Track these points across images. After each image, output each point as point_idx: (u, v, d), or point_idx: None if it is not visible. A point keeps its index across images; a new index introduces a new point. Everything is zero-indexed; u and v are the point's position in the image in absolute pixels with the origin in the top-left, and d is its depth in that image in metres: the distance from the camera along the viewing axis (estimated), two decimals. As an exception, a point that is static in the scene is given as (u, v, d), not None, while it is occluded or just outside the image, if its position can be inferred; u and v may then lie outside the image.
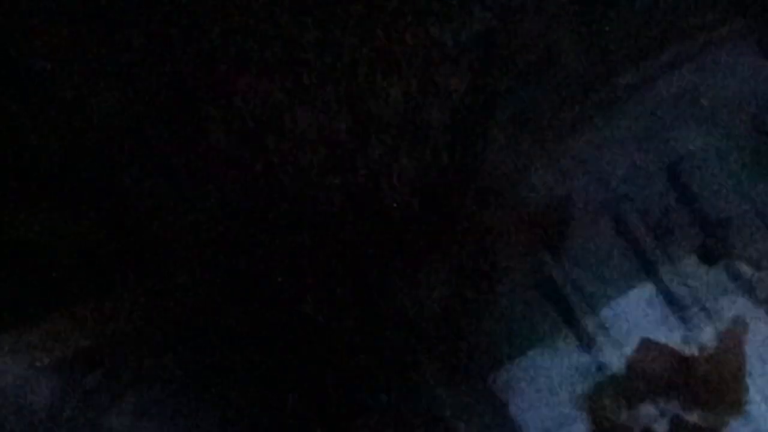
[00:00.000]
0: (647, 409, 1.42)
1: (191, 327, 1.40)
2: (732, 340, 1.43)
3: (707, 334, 1.44)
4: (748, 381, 1.42)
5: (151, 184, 1.33)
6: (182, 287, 1.39)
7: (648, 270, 1.45)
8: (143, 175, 1.32)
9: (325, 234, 1.25)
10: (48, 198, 1.33)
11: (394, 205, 1.25)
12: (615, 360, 1.43)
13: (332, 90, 1.15)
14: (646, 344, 1.43)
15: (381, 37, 1.15)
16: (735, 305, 1.46)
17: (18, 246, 1.37)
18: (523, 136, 1.36)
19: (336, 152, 1.17)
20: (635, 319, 1.45)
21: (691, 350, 1.44)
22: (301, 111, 1.15)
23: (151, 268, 1.38)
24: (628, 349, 1.43)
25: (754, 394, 1.41)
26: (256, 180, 1.24)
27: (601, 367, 1.43)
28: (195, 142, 1.24)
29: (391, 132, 1.17)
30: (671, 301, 1.44)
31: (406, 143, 1.19)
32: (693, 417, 1.41)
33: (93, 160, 1.31)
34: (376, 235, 1.28)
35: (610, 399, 1.42)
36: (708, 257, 1.45)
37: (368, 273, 1.32)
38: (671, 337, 1.45)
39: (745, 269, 1.45)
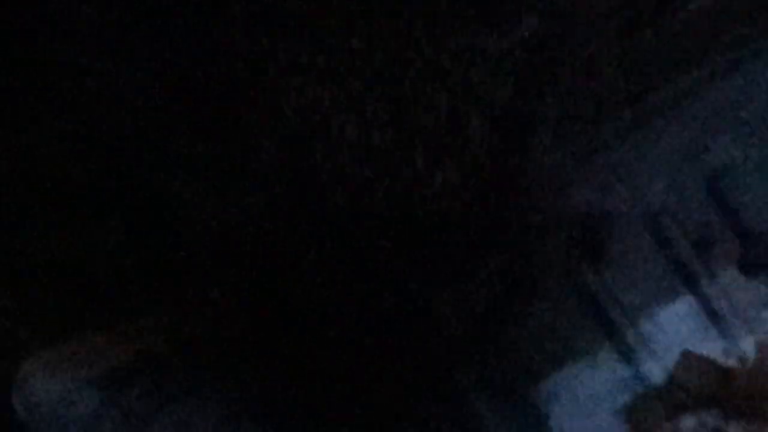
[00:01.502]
0: (688, 421, 1.41)
1: (226, 342, 1.38)
2: None
3: (748, 346, 1.43)
4: None
5: (191, 198, 1.33)
6: (217, 304, 1.37)
7: (688, 283, 1.44)
8: (183, 188, 1.33)
9: (368, 241, 1.25)
10: (84, 216, 1.33)
11: (437, 212, 1.24)
12: (656, 372, 1.41)
13: (379, 97, 1.16)
14: (687, 356, 1.41)
15: (426, 44, 1.16)
16: None
17: (56, 264, 1.37)
18: (563, 147, 1.36)
19: (381, 160, 1.18)
20: (676, 332, 1.44)
21: (731, 362, 1.43)
22: (348, 118, 1.15)
23: (186, 286, 1.37)
24: (669, 361, 1.42)
25: None
26: (302, 189, 1.24)
27: (641, 379, 1.42)
28: (241, 150, 1.24)
29: (435, 140, 1.18)
30: (712, 313, 1.43)
31: (449, 151, 1.20)
32: (734, 428, 1.40)
33: (130, 176, 1.31)
34: (418, 243, 1.27)
35: (651, 411, 1.42)
36: (748, 270, 1.44)
37: (409, 280, 1.31)
38: (712, 349, 1.43)
39: None
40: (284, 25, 1.19)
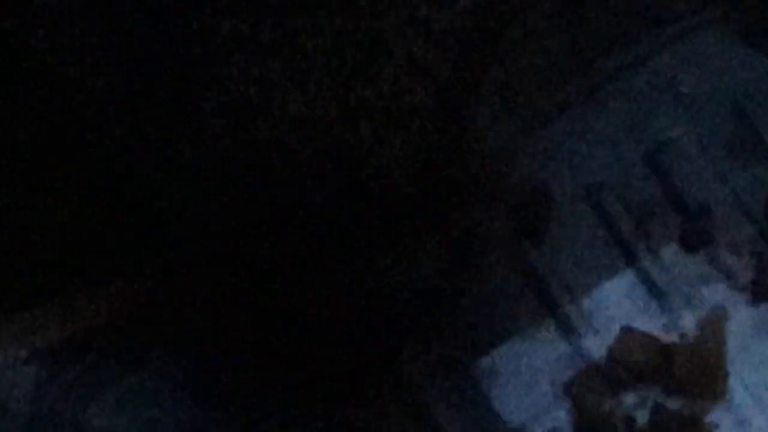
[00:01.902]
0: (628, 397, 1.43)
1: (171, 317, 1.38)
2: (713, 327, 1.43)
3: (688, 322, 1.43)
4: (730, 368, 1.44)
5: (146, 170, 1.34)
6: (169, 277, 1.40)
7: (629, 258, 1.44)
8: (139, 160, 1.33)
9: (316, 214, 1.25)
10: (35, 185, 1.33)
11: (383, 185, 1.28)
12: (596, 348, 1.41)
13: (322, 73, 1.16)
14: (627, 332, 1.41)
15: (368, 19, 1.17)
16: (716, 293, 1.44)
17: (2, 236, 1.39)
18: (505, 119, 1.37)
19: (326, 134, 1.18)
20: (616, 308, 1.44)
21: (671, 338, 1.43)
22: (292, 94, 1.16)
23: (143, 258, 1.39)
24: (609, 338, 1.41)
25: (735, 382, 1.42)
26: (249, 162, 1.27)
27: (582, 356, 1.42)
28: (192, 124, 1.23)
29: (380, 114, 1.18)
30: (652, 289, 1.43)
31: (394, 125, 1.21)
32: (674, 404, 1.42)
33: (89, 145, 1.32)
34: (366, 216, 1.28)
35: (591, 387, 1.43)
36: (689, 245, 1.44)
37: (358, 252, 1.30)
38: (652, 325, 1.43)
39: (726, 256, 1.44)
40: (229, 4, 1.22)
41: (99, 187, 1.31)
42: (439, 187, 1.22)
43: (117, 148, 1.25)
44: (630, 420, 1.40)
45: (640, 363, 1.41)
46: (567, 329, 1.43)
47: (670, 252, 1.44)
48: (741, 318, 1.43)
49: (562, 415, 1.41)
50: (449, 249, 1.29)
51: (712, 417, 1.41)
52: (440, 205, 1.24)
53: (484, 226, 1.32)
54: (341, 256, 1.25)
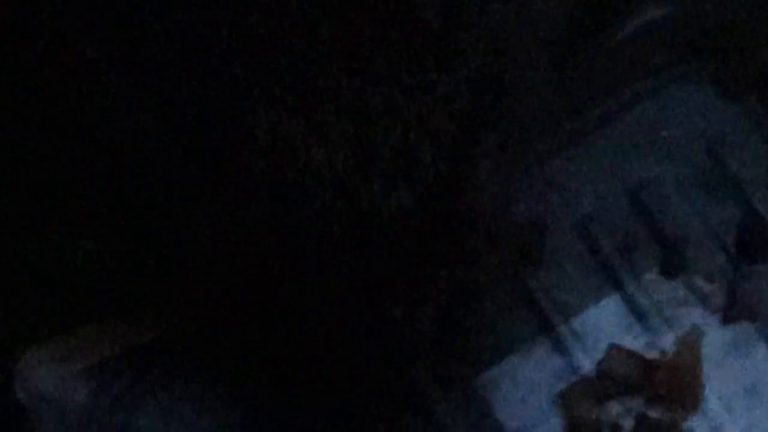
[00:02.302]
0: (615, 407, 1.48)
1: (208, 335, 1.44)
2: (689, 345, 1.49)
3: (667, 340, 1.50)
4: (705, 381, 1.49)
5: (179, 212, 1.36)
6: (200, 300, 1.42)
7: (615, 283, 1.52)
8: (173, 205, 1.33)
9: (331, 255, 1.29)
10: (76, 216, 1.40)
11: (392, 230, 1.28)
12: (586, 363, 1.49)
13: (341, 129, 1.22)
14: (613, 349, 1.49)
15: (383, 83, 1.23)
16: (692, 314, 1.51)
17: (49, 265, 1.44)
18: (504, 165, 1.43)
19: (343, 184, 1.24)
20: (603, 327, 1.51)
21: (653, 354, 1.49)
22: (314, 147, 1.22)
23: (172, 286, 1.42)
24: (598, 354, 1.49)
25: (710, 393, 1.48)
26: (274, 207, 1.28)
27: (573, 370, 1.49)
28: (225, 171, 1.27)
29: (390, 167, 1.24)
30: (635, 310, 1.51)
31: (402, 177, 1.25)
32: (655, 413, 1.48)
33: (129, 189, 1.34)
34: (376, 257, 1.30)
35: (582, 398, 1.49)
36: (668, 272, 1.52)
37: (369, 291, 1.34)
38: (635, 342, 1.50)
39: (700, 282, 1.51)
40: (261, 67, 1.24)
41: (138, 226, 1.36)
42: (443, 233, 1.27)
43: (153, 193, 1.31)
44: (617, 427, 1.46)
45: (625, 377, 1.48)
46: (560, 347, 1.50)
47: (650, 278, 1.51)
48: (714, 337, 1.49)
49: (555, 423, 1.47)
50: (454, 284, 1.34)
51: (688, 425, 1.46)
52: (444, 248, 1.29)
53: (487, 260, 1.37)
54: (355, 291, 1.29)
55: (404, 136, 1.23)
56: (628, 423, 1.47)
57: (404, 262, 1.28)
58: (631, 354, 1.49)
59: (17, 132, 1.40)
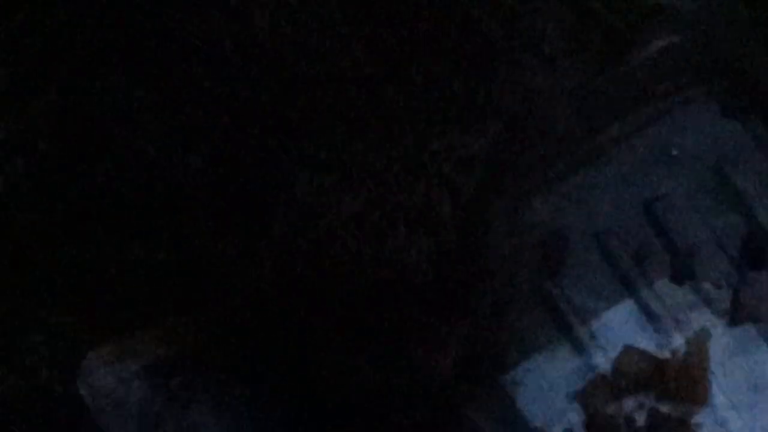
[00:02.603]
0: (629, 402, 1.54)
1: (253, 341, 1.47)
2: (698, 346, 1.54)
3: (677, 341, 1.55)
4: (711, 378, 1.54)
5: (224, 252, 1.38)
6: (240, 310, 1.45)
7: (629, 289, 1.57)
8: (216, 246, 1.37)
9: (358, 303, 1.34)
10: (133, 235, 1.45)
11: (414, 275, 1.33)
12: (603, 362, 1.54)
13: (371, 186, 1.29)
14: (628, 350, 1.54)
15: (413, 147, 1.29)
16: (700, 317, 1.56)
17: (107, 276, 1.49)
18: (515, 224, 1.44)
19: (371, 233, 1.29)
20: (619, 329, 1.56)
21: (664, 354, 1.54)
22: (347, 201, 1.28)
23: (215, 296, 1.45)
24: (614, 354, 1.54)
25: (716, 390, 1.53)
26: (308, 251, 1.33)
27: (591, 368, 1.54)
28: (265, 220, 1.33)
29: (414, 219, 1.30)
30: (648, 314, 1.56)
31: (424, 228, 1.30)
32: (666, 408, 1.53)
33: (174, 212, 1.39)
34: (398, 301, 1.35)
35: (599, 394, 1.54)
36: (677, 279, 1.57)
37: (392, 338, 1.39)
38: (648, 343, 1.55)
39: (708, 288, 1.57)
40: (305, 132, 1.30)
41: (184, 252, 1.40)
42: (460, 281, 1.33)
43: (199, 234, 1.36)
44: (631, 421, 1.52)
45: (639, 375, 1.54)
46: (579, 347, 1.56)
47: (662, 285, 1.57)
48: (720, 338, 1.55)
49: (574, 418, 1.53)
50: (476, 327, 1.40)
51: (697, 418, 1.53)
52: (461, 295, 1.35)
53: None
54: (379, 337, 1.35)
55: (426, 192, 1.29)
56: (641, 417, 1.52)
57: (424, 306, 1.33)
58: (644, 354, 1.54)
59: (96, 166, 1.44)
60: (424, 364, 1.37)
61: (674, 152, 1.61)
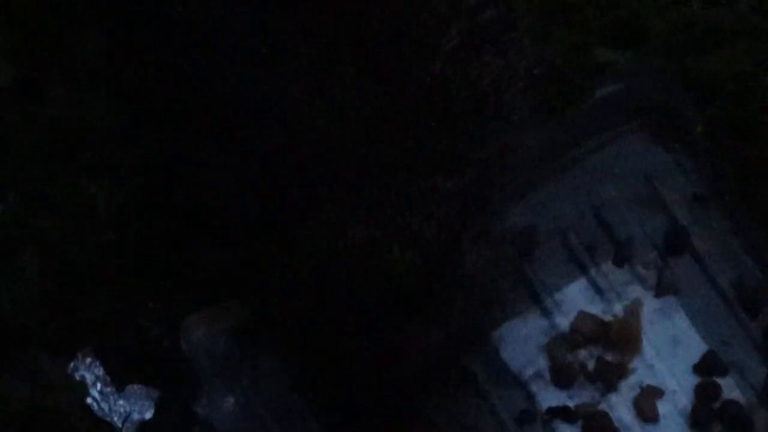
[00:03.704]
0: (582, 353, 1.70)
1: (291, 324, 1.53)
2: (633, 311, 1.71)
3: (618, 308, 1.71)
4: (642, 336, 1.70)
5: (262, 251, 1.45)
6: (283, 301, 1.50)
7: (583, 270, 1.72)
8: (256, 244, 1.44)
9: (365, 301, 1.41)
10: (213, 242, 1.51)
11: (407, 282, 1.42)
12: (563, 323, 1.69)
13: (372, 217, 1.37)
14: (582, 314, 1.70)
15: (405, 184, 1.36)
16: (634, 291, 1.72)
17: (200, 266, 1.57)
18: (485, 245, 1.51)
19: (372, 253, 1.38)
20: (575, 300, 1.71)
21: (608, 318, 1.71)
22: (354, 228, 1.37)
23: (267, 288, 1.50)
24: (571, 317, 1.70)
25: (646, 343, 1.68)
26: (325, 266, 1.41)
27: (554, 328, 1.70)
28: (288, 236, 1.40)
29: (406, 239, 1.37)
30: (596, 288, 1.72)
31: (413, 245, 1.38)
32: (610, 357, 1.69)
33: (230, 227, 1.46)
34: (395, 304, 1.42)
35: (560, 347, 1.70)
36: (618, 262, 1.74)
37: (390, 325, 1.45)
38: (596, 310, 1.71)
39: (640, 269, 1.73)
40: (320, 178, 1.36)
41: (242, 255, 1.45)
42: (442, 285, 1.41)
43: (253, 245, 1.42)
44: (583, 366, 1.67)
45: (589, 332, 1.69)
46: (546, 313, 1.70)
47: (607, 267, 1.73)
48: (649, 306, 1.71)
49: (542, 364, 1.68)
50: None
51: (632, 364, 1.68)
52: (443, 295, 1.42)
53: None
54: (382, 330, 1.41)
55: (416, 220, 1.36)
56: (591, 363, 1.67)
57: (414, 304, 1.39)
58: (593, 317, 1.69)
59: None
60: (415, 347, 1.43)
61: (616, 170, 1.74)
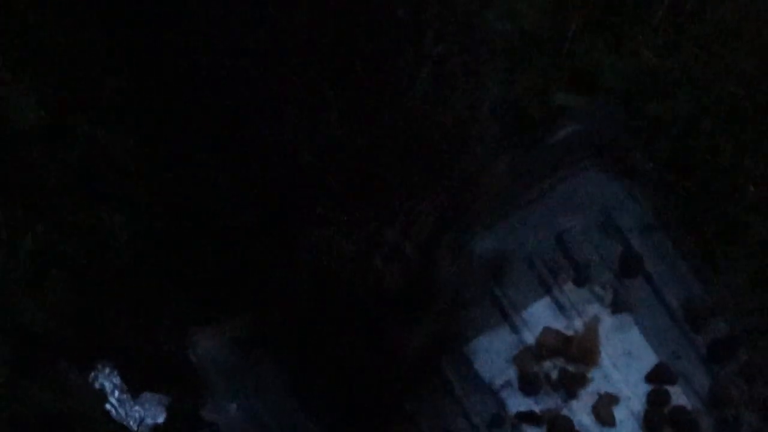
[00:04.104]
0: (547, 364, 1.78)
1: (293, 328, 1.60)
2: (591, 327, 1.79)
3: (578, 324, 1.78)
4: (600, 348, 1.79)
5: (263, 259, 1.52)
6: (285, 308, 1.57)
7: (547, 290, 1.80)
8: (259, 253, 1.53)
9: (353, 308, 1.48)
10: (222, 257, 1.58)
11: (389, 291, 1.51)
12: (529, 338, 1.77)
13: (360, 234, 1.46)
14: (546, 329, 1.78)
15: (386, 208, 1.44)
16: (593, 308, 1.79)
17: (203, 279, 1.65)
18: (459, 258, 1.59)
19: (361, 263, 1.46)
20: (540, 317, 1.78)
21: (569, 333, 1.78)
22: (344, 243, 1.46)
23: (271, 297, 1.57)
24: (537, 332, 1.78)
25: (603, 355, 1.76)
26: (319, 275, 1.49)
27: (522, 342, 1.77)
28: (287, 247, 1.47)
29: (388, 254, 1.45)
30: (559, 306, 1.79)
31: (395, 259, 1.45)
32: (571, 368, 1.77)
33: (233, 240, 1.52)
34: (380, 309, 1.50)
35: (527, 359, 1.77)
36: (578, 283, 1.81)
37: (376, 328, 1.53)
38: (559, 325, 1.78)
39: (598, 289, 1.81)
40: (318, 198, 1.44)
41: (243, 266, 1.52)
42: (420, 294, 1.50)
43: (257, 255, 1.48)
44: (547, 376, 1.74)
45: (553, 346, 1.74)
46: (514, 328, 1.75)
47: (568, 287, 1.79)
48: (606, 322, 1.77)
49: (511, 374, 1.74)
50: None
51: (591, 374, 1.75)
52: (422, 304, 1.51)
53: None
54: (368, 329, 1.49)
55: (396, 237, 1.45)
56: (554, 373, 1.73)
57: (396, 309, 1.47)
58: (556, 332, 1.75)
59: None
60: (397, 344, 1.50)
61: (576, 202, 1.79)
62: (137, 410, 1.67)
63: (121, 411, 1.66)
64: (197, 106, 1.45)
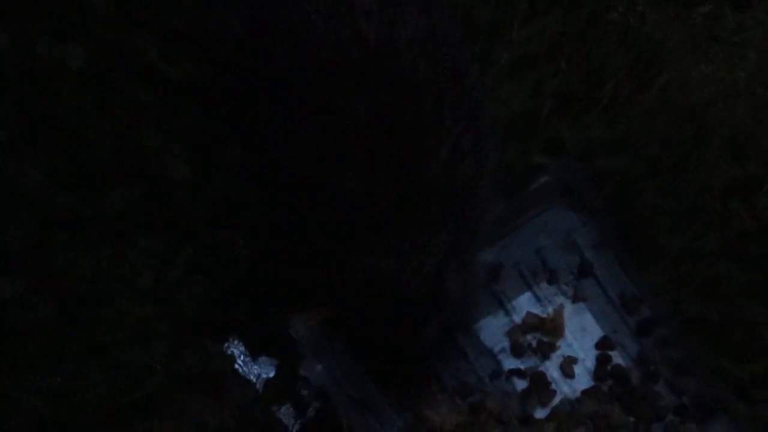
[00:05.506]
0: (529, 337, 2.18)
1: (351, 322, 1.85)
2: (558, 312, 2.23)
3: (550, 310, 2.22)
4: (565, 326, 2.26)
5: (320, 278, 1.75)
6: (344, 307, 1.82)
7: (529, 287, 2.23)
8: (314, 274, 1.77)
9: (388, 310, 1.72)
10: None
11: (411, 300, 1.72)
12: (517, 319, 2.20)
13: (389, 259, 1.65)
14: (528, 313, 2.19)
15: (410, 235, 1.63)
16: (560, 299, 2.25)
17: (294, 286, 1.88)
18: (462, 271, 1.82)
19: (390, 281, 1.68)
20: (524, 305, 2.21)
21: (544, 315, 2.19)
22: (379, 263, 1.68)
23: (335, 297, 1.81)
24: (522, 315, 2.21)
25: (567, 330, 2.19)
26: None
27: (512, 322, 2.17)
28: (341, 265, 1.71)
29: (411, 274, 1.54)
30: (537, 298, 2.25)
31: (417, 277, 1.66)
32: (545, 339, 2.17)
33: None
34: (401, 317, 1.72)
35: (516, 333, 2.18)
36: (550, 282, 2.29)
37: (403, 323, 1.78)
38: (537, 311, 2.20)
39: (564, 286, 2.27)
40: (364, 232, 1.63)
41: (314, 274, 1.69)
42: (433, 298, 1.69)
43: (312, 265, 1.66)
44: (530, 344, 2.19)
45: (533, 324, 2.18)
46: (507, 313, 2.19)
47: (543, 285, 2.24)
48: (568, 308, 2.23)
49: (506, 343, 2.19)
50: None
51: (558, 343, 2.21)
52: (433, 308, 1.72)
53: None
54: (401, 321, 1.71)
55: (417, 257, 1.66)
56: (534, 343, 2.20)
57: (419, 309, 1.66)
58: (535, 315, 2.19)
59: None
60: (419, 330, 1.75)
61: (549, 228, 2.20)
62: (256, 369, 1.94)
63: (245, 369, 1.93)
64: (294, 171, 1.68)
